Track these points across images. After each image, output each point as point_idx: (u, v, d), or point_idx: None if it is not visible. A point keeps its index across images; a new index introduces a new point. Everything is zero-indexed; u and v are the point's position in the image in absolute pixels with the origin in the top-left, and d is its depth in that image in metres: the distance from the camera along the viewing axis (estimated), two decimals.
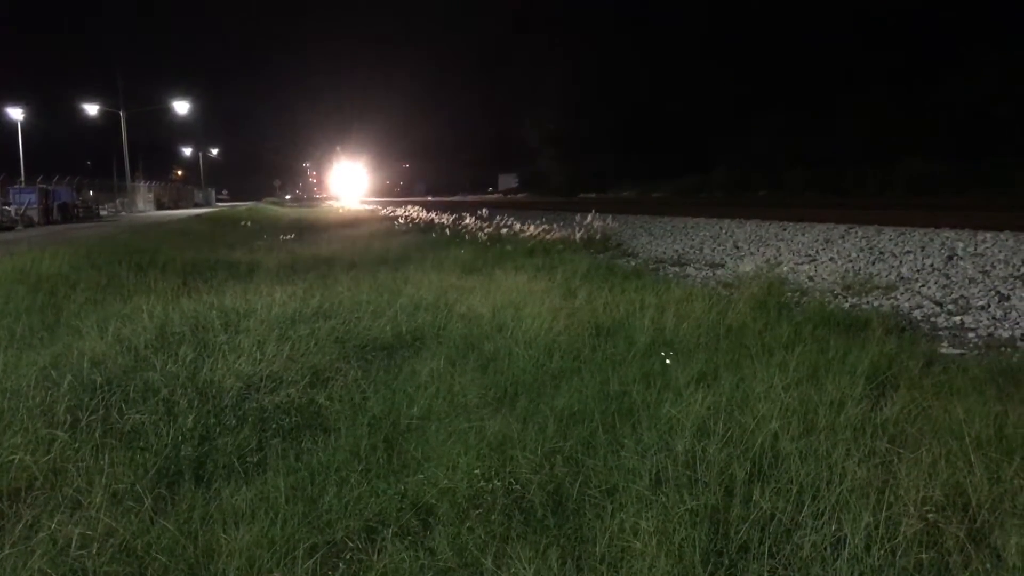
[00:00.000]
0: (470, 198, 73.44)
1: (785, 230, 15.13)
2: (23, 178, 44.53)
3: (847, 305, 7.83)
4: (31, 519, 3.18)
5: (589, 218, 16.82)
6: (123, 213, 50.87)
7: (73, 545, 2.92)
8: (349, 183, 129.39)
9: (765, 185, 50.53)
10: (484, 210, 21.84)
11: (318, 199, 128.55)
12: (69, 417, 4.19)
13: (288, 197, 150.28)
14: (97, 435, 3.99)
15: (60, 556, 2.87)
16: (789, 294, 8.31)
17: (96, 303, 8.06)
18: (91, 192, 49.96)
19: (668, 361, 4.88)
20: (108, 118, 55.23)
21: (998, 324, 6.70)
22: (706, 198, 44.85)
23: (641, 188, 64.92)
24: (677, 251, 14.21)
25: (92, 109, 53.45)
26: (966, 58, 49.24)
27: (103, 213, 46.64)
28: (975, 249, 10.33)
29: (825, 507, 2.98)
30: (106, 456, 3.71)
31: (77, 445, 3.86)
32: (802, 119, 58.99)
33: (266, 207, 63.75)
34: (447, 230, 19.91)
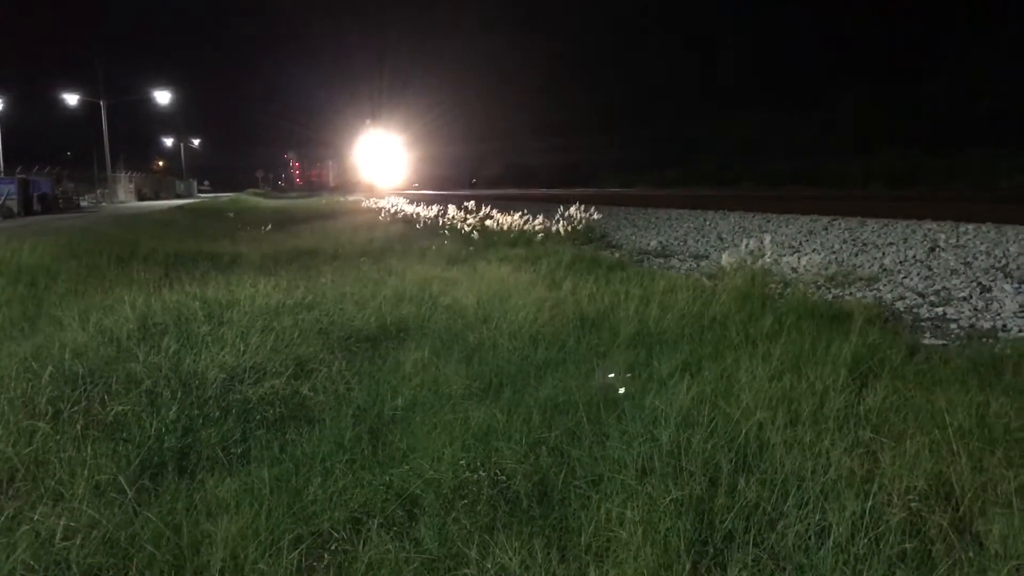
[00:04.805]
0: (458, 191, 73.10)
1: (769, 221, 15.21)
2: (2, 169, 44.02)
3: (830, 296, 7.87)
4: (13, 511, 3.15)
5: (573, 210, 16.82)
6: (104, 204, 50.42)
7: (56, 537, 2.89)
8: (380, 167, 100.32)
9: (749, 177, 50.69)
10: (468, 202, 21.79)
11: (306, 191, 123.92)
12: (51, 408, 4.15)
13: (270, 188, 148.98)
14: (79, 426, 3.96)
15: (43, 548, 2.84)
16: (773, 285, 8.34)
17: (77, 294, 7.99)
18: (71, 183, 49.44)
19: (622, 390, 4.38)
20: (88, 108, 54.66)
21: (980, 315, 6.75)
22: (690, 190, 44.95)
23: (625, 180, 64.93)
24: (661, 243, 14.24)
25: (72, 99, 52.87)
26: (948, 53, 49.65)
27: (84, 204, 46.26)
28: (957, 241, 10.41)
29: (810, 496, 3.00)
30: (88, 447, 3.68)
31: (59, 436, 3.83)
32: (786, 111, 59.30)
33: (248, 198, 63.32)
34: (431, 221, 19.86)
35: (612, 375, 4.60)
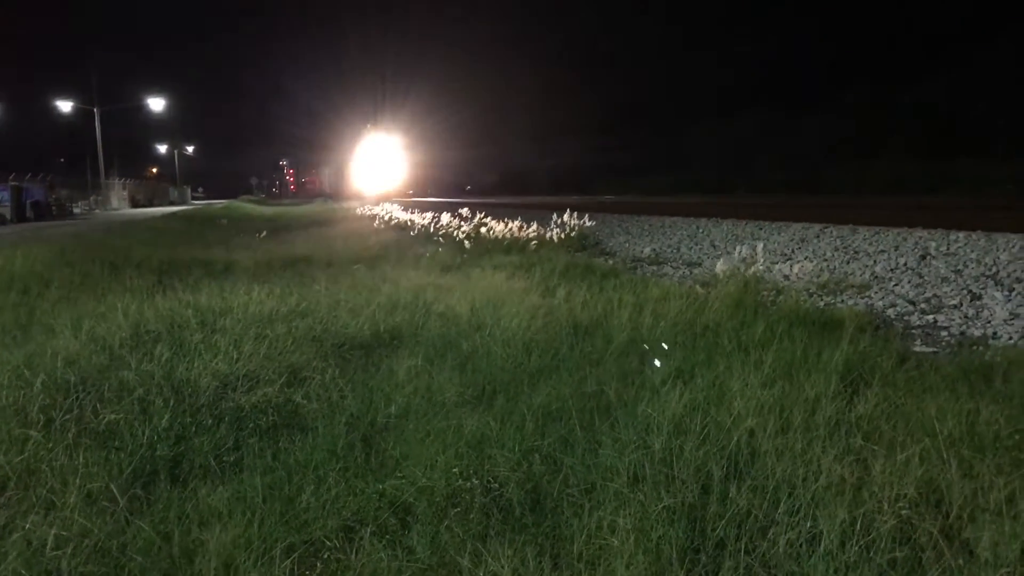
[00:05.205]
0: (453, 198, 72.89)
1: (761, 229, 15.24)
2: None
3: (822, 304, 7.89)
4: (5, 520, 3.15)
5: (566, 217, 16.85)
6: (97, 211, 50.33)
7: (48, 546, 2.89)
8: (376, 174, 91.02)
9: (742, 184, 50.83)
10: (462, 209, 21.79)
11: (301, 198, 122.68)
12: (43, 417, 4.14)
13: (264, 195, 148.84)
14: (71, 435, 3.95)
15: (35, 557, 2.84)
16: (765, 293, 8.36)
17: (70, 302, 7.97)
18: (64, 190, 49.27)
19: (657, 363, 4.90)
20: (82, 115, 54.56)
21: (970, 323, 6.78)
22: (684, 197, 45.05)
23: (619, 187, 64.99)
24: (654, 250, 14.25)
25: (66, 106, 52.79)
26: (941, 60, 49.94)
27: (77, 211, 46.19)
28: (948, 248, 10.46)
29: (801, 504, 3.01)
30: (80, 456, 3.67)
31: (51, 445, 3.82)
32: (779, 118, 59.53)
33: (242, 205, 63.27)
34: (425, 228, 19.86)
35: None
